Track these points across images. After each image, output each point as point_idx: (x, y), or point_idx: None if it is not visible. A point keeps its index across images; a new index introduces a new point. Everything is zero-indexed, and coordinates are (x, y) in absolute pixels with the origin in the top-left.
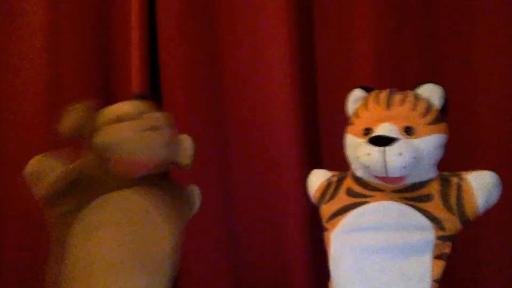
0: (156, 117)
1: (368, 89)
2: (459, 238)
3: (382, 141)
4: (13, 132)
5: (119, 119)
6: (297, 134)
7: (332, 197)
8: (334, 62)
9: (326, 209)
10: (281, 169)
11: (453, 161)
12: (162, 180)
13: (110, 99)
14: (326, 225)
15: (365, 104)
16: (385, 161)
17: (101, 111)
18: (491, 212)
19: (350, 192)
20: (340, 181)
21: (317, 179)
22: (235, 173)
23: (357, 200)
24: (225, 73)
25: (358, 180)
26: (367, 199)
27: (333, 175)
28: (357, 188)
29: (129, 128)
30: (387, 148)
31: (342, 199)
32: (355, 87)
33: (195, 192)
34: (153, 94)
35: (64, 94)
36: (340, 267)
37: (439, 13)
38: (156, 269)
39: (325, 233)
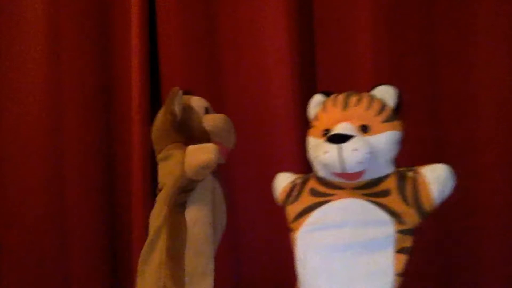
0: None
1: (328, 94)
2: (460, 239)
3: (338, 139)
4: (13, 132)
5: (208, 111)
6: (297, 134)
7: (297, 198)
8: (334, 62)
9: (291, 210)
10: (282, 169)
11: (453, 161)
12: None
13: (110, 99)
14: (291, 225)
15: (324, 107)
16: (341, 157)
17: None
18: (491, 212)
19: (314, 192)
20: (304, 182)
21: (282, 181)
22: (235, 173)
23: (320, 199)
24: (225, 74)
25: (321, 180)
26: (330, 198)
27: (298, 177)
28: (320, 188)
29: (228, 120)
30: (343, 145)
31: (306, 199)
32: (355, 87)
33: None
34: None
35: (64, 94)
36: (306, 266)
37: (439, 13)
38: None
39: (291, 234)
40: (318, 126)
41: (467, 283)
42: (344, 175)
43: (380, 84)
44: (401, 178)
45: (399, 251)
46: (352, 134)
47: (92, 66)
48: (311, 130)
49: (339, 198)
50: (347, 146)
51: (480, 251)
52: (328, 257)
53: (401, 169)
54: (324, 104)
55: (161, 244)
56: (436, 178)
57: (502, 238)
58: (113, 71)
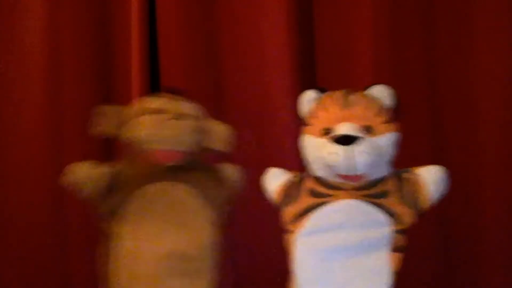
0: (181, 107)
1: (322, 90)
2: (460, 239)
3: (347, 140)
4: (13, 133)
5: (144, 112)
6: (297, 134)
7: (295, 198)
8: (334, 61)
9: (290, 211)
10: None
11: (453, 161)
12: (195, 166)
13: (110, 99)
14: (289, 227)
15: (321, 104)
16: (350, 159)
17: (129, 106)
18: (492, 212)
19: (313, 192)
20: (301, 181)
21: (276, 178)
22: None
23: (320, 200)
24: (225, 74)
25: (319, 180)
26: (329, 199)
27: (294, 176)
28: (319, 188)
29: (153, 119)
30: (352, 147)
31: (305, 200)
32: (355, 87)
33: (229, 170)
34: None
35: (64, 95)
36: (304, 268)
37: (439, 13)
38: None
39: (288, 235)
40: (317, 124)
41: (467, 283)
42: (347, 176)
43: (376, 84)
44: (399, 179)
45: (395, 250)
46: (359, 135)
47: (92, 67)
48: (308, 128)
49: (339, 199)
50: (357, 148)
51: (480, 251)
52: (326, 259)
53: (397, 170)
54: (321, 102)
55: None
56: (432, 179)
57: (502, 238)
58: (113, 71)
